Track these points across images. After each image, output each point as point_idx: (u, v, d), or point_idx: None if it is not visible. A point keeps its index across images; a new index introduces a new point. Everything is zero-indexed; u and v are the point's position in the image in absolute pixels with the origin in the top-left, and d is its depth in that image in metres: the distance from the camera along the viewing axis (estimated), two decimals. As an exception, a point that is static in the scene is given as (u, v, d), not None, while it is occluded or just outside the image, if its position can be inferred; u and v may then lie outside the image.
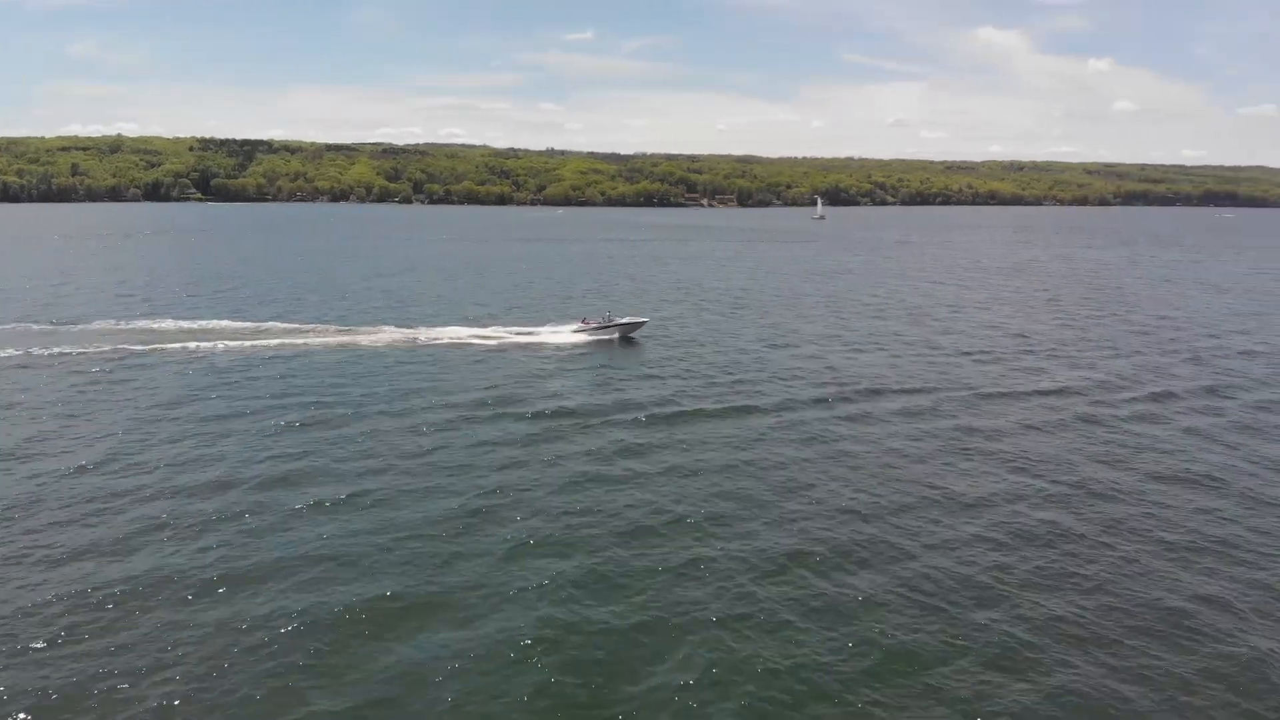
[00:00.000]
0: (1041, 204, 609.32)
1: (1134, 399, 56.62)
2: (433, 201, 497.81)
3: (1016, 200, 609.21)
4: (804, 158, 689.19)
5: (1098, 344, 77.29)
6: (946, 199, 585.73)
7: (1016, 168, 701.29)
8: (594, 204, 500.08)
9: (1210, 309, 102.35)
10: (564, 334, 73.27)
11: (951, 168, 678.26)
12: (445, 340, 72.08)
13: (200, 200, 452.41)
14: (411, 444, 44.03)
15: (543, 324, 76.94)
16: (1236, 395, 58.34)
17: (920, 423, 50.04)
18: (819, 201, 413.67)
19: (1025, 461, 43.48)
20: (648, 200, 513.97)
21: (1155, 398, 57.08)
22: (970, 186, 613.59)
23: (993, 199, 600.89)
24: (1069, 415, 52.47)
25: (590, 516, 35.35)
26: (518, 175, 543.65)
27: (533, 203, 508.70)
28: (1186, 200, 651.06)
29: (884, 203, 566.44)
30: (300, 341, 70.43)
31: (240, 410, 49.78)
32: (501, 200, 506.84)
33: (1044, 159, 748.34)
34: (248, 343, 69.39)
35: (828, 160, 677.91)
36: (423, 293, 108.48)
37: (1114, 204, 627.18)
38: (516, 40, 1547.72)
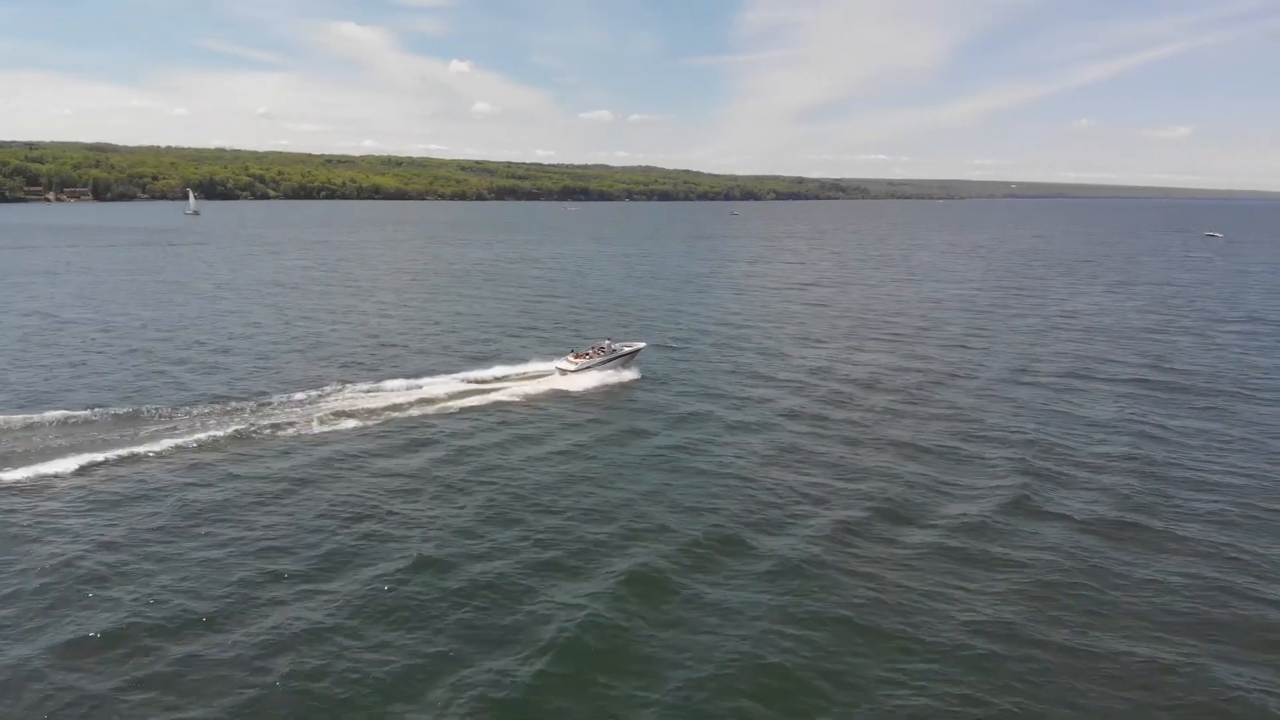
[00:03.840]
0: (425, 199, 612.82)
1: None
2: None
3: (400, 195, 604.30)
4: (170, 147, 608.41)
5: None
6: (331, 193, 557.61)
7: (395, 163, 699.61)
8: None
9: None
10: (558, 373, 59.67)
11: (332, 161, 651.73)
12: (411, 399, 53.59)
13: None
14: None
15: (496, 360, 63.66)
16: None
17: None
18: (191, 195, 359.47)
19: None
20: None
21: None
22: (354, 181, 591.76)
23: (377, 193, 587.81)
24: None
25: None
26: None
27: None
28: (549, 195, 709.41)
29: (265, 196, 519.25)
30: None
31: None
32: None
33: (418, 155, 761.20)
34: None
35: (198, 151, 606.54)
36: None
37: (489, 199, 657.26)
38: None
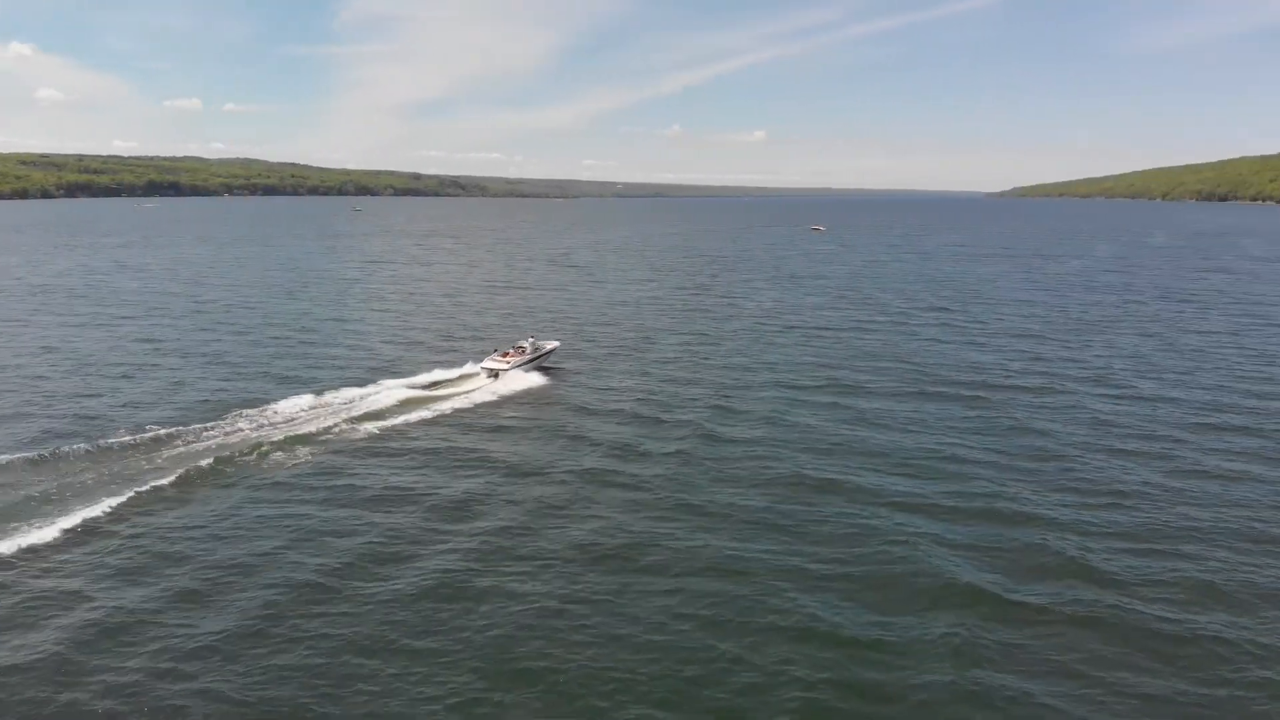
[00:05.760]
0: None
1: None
2: None
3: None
4: None
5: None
6: None
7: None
8: None
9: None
10: (485, 374, 55.70)
11: None
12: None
13: None
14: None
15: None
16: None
17: None
18: None
19: None
20: None
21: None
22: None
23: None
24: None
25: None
26: None
27: None
28: (132, 190, 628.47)
29: None
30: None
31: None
32: None
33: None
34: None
35: None
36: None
37: (59, 196, 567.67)
38: None
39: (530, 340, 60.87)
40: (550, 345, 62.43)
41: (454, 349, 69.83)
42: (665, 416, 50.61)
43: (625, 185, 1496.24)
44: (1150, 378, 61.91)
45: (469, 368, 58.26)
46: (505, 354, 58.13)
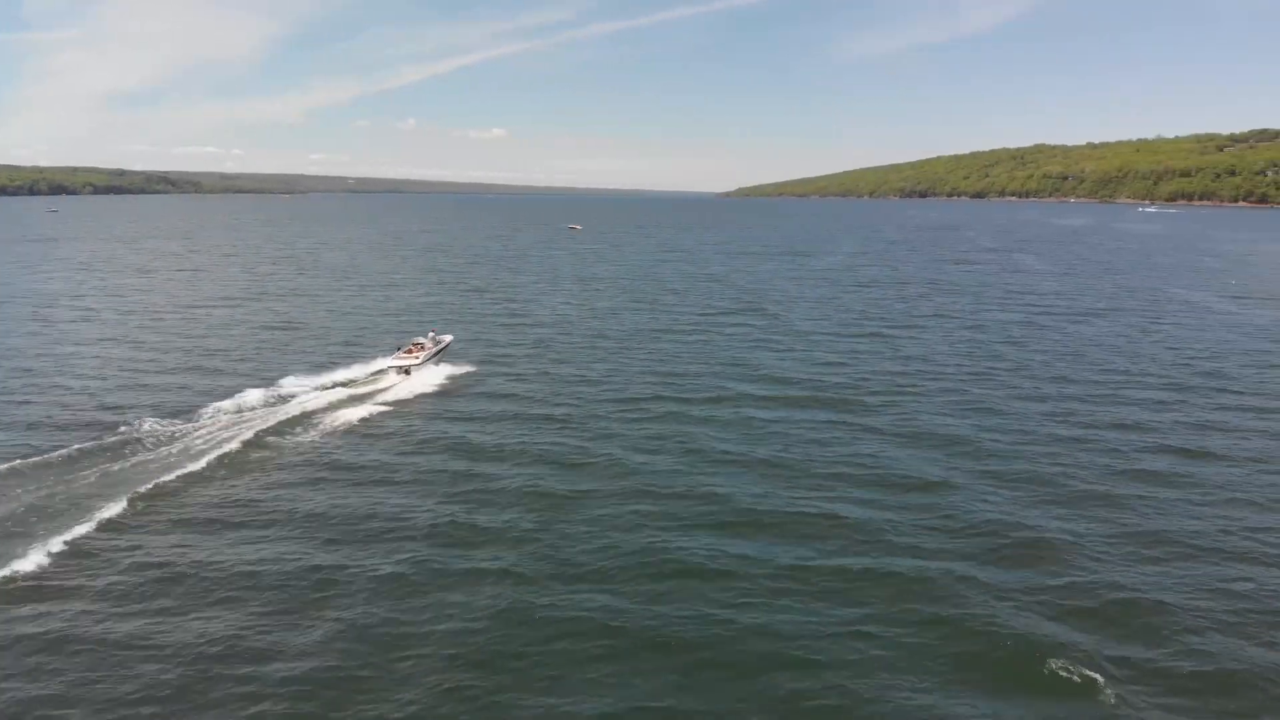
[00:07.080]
0: None
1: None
2: None
3: None
4: None
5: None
6: None
7: None
8: None
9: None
10: (395, 373, 55.01)
11: None
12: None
13: None
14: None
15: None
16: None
17: None
18: None
19: None
20: None
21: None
22: None
23: None
24: None
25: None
26: None
27: None
28: None
29: None
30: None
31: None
32: None
33: None
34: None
35: None
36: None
37: None
38: None
39: (431, 334, 61.82)
40: (447, 338, 62.97)
41: (213, 370, 56.66)
42: (567, 454, 41.75)
43: (359, 180, 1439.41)
44: (995, 373, 60.44)
45: (353, 372, 56.10)
46: (409, 350, 58.53)
